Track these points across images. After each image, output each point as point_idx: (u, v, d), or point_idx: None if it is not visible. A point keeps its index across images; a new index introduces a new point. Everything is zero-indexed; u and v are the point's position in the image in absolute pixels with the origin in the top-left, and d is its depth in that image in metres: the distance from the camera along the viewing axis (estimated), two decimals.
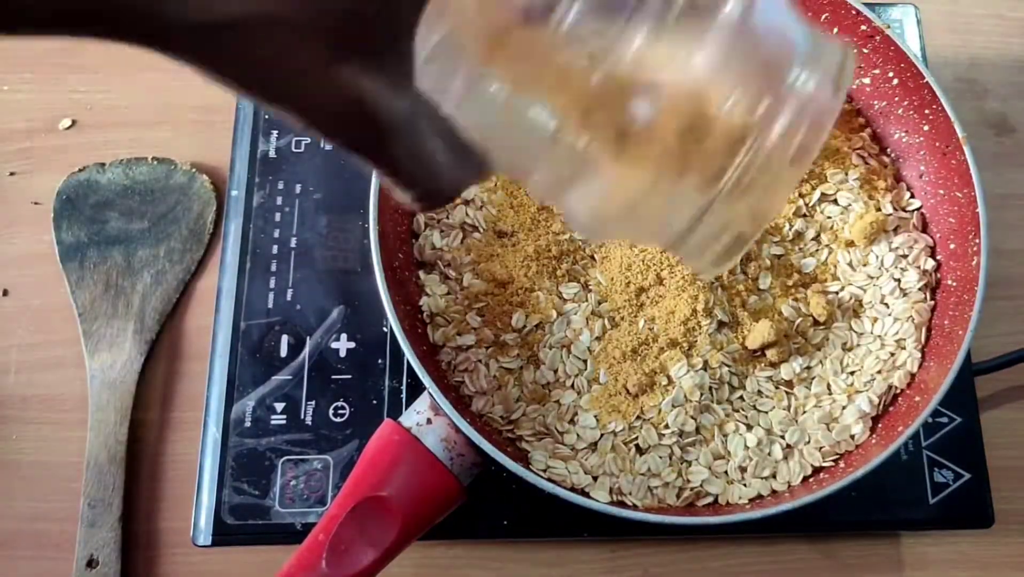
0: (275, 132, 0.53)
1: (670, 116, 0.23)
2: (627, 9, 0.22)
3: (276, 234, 0.51)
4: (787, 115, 0.23)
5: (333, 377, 0.48)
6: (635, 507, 0.41)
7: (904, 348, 0.45)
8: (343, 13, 0.19)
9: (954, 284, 0.46)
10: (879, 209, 0.48)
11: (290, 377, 0.48)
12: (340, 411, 0.47)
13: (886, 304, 0.47)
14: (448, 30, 0.22)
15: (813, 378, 0.45)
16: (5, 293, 0.53)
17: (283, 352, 0.48)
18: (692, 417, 0.43)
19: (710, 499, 0.42)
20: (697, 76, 0.23)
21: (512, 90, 0.23)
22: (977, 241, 0.44)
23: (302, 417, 0.47)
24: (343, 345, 0.49)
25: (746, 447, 0.43)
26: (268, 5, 0.18)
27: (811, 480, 0.43)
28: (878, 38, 0.48)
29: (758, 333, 0.43)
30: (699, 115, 0.23)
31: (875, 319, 0.46)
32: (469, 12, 0.23)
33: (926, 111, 0.48)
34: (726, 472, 0.43)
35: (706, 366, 0.43)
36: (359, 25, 0.20)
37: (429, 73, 0.22)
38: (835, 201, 0.48)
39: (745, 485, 0.43)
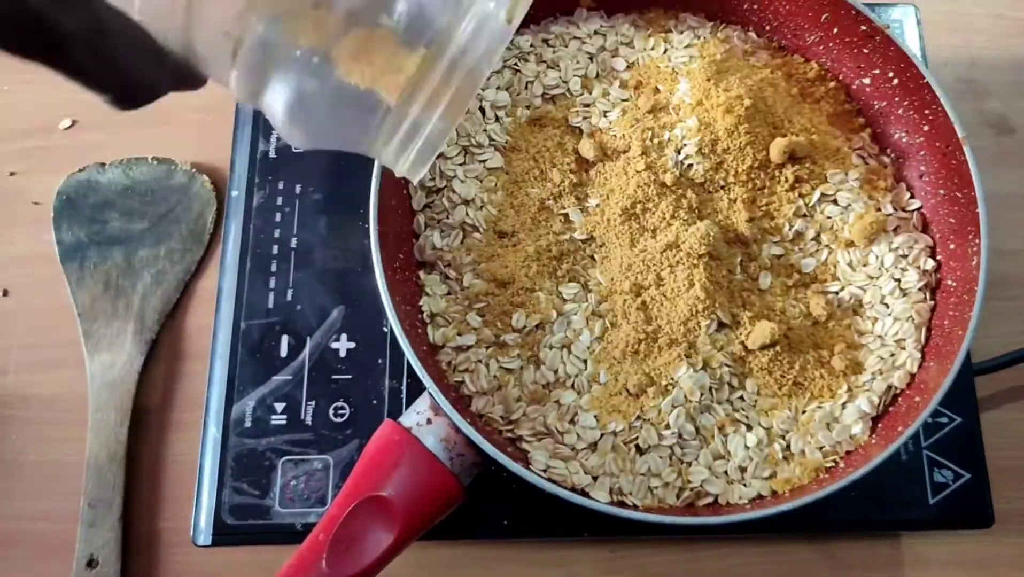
0: (276, 132, 0.53)
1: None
2: None
3: (276, 234, 0.51)
4: (462, 33, 0.26)
5: (333, 377, 0.48)
6: (635, 507, 0.41)
7: (904, 348, 0.45)
8: None
9: (954, 284, 0.46)
10: (879, 209, 0.48)
11: (290, 377, 0.48)
12: (340, 411, 0.47)
13: (886, 304, 0.47)
14: None
15: (813, 378, 0.45)
16: (5, 293, 0.53)
17: (283, 352, 0.48)
18: (692, 417, 0.43)
19: (710, 499, 0.42)
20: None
21: None
22: (977, 241, 0.44)
23: (302, 417, 0.47)
24: (343, 345, 0.49)
25: (746, 447, 0.43)
26: None
27: (811, 480, 0.43)
28: (878, 38, 0.48)
29: (758, 333, 0.43)
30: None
31: (875, 319, 0.46)
32: None
33: (926, 111, 0.48)
34: (726, 472, 0.43)
35: (706, 366, 0.43)
36: None
37: None
38: (835, 201, 0.48)
39: (745, 485, 0.43)
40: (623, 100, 0.50)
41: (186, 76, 0.26)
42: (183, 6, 0.25)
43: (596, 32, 0.52)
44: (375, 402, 0.48)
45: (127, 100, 0.25)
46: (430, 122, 0.27)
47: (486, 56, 0.27)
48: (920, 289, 0.46)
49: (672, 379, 0.43)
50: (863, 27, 0.49)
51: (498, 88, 0.50)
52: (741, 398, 0.44)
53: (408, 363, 0.40)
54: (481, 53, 0.27)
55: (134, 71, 0.24)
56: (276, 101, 0.27)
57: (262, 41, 0.25)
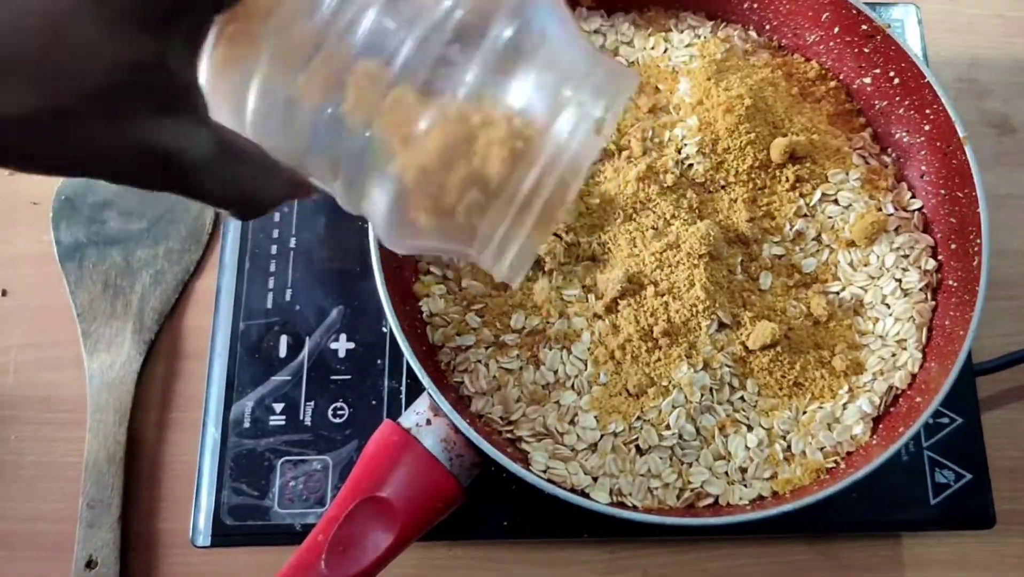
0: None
1: (449, 126, 0.24)
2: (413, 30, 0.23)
3: (275, 234, 0.51)
4: (554, 140, 0.24)
5: (332, 377, 0.48)
6: (635, 508, 0.41)
7: (905, 348, 0.45)
8: (114, 87, 0.19)
9: (955, 284, 0.45)
10: (880, 209, 0.48)
11: (289, 377, 0.48)
12: (339, 412, 0.47)
13: (887, 304, 0.46)
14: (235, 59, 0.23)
15: (813, 378, 0.45)
16: (4, 293, 0.52)
17: (282, 352, 0.48)
18: (692, 418, 0.43)
19: (710, 500, 0.42)
20: (477, 94, 0.24)
21: (300, 94, 0.24)
22: (978, 241, 0.44)
23: (301, 418, 0.47)
24: (342, 345, 0.49)
25: (747, 448, 0.43)
26: (32, 98, 0.18)
27: (812, 481, 0.43)
28: (879, 38, 0.48)
29: (759, 333, 0.43)
30: (474, 128, 0.24)
31: (876, 319, 0.46)
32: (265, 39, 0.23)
33: (927, 111, 0.47)
34: (727, 473, 0.43)
35: (707, 366, 0.43)
36: (137, 91, 0.20)
37: (219, 104, 0.23)
38: (836, 201, 0.48)
39: (746, 486, 0.43)
40: None
41: (299, 184, 0.26)
42: (286, 125, 0.24)
43: (596, 31, 0.52)
44: (374, 402, 0.48)
45: (247, 212, 0.25)
46: (517, 241, 0.25)
47: (572, 168, 0.24)
48: (921, 289, 0.46)
49: (672, 379, 0.43)
50: (864, 26, 0.49)
51: None
52: (742, 399, 0.44)
53: (408, 363, 0.40)
54: (568, 162, 0.24)
55: (252, 186, 0.24)
56: (375, 209, 0.26)
57: (359, 153, 0.24)
